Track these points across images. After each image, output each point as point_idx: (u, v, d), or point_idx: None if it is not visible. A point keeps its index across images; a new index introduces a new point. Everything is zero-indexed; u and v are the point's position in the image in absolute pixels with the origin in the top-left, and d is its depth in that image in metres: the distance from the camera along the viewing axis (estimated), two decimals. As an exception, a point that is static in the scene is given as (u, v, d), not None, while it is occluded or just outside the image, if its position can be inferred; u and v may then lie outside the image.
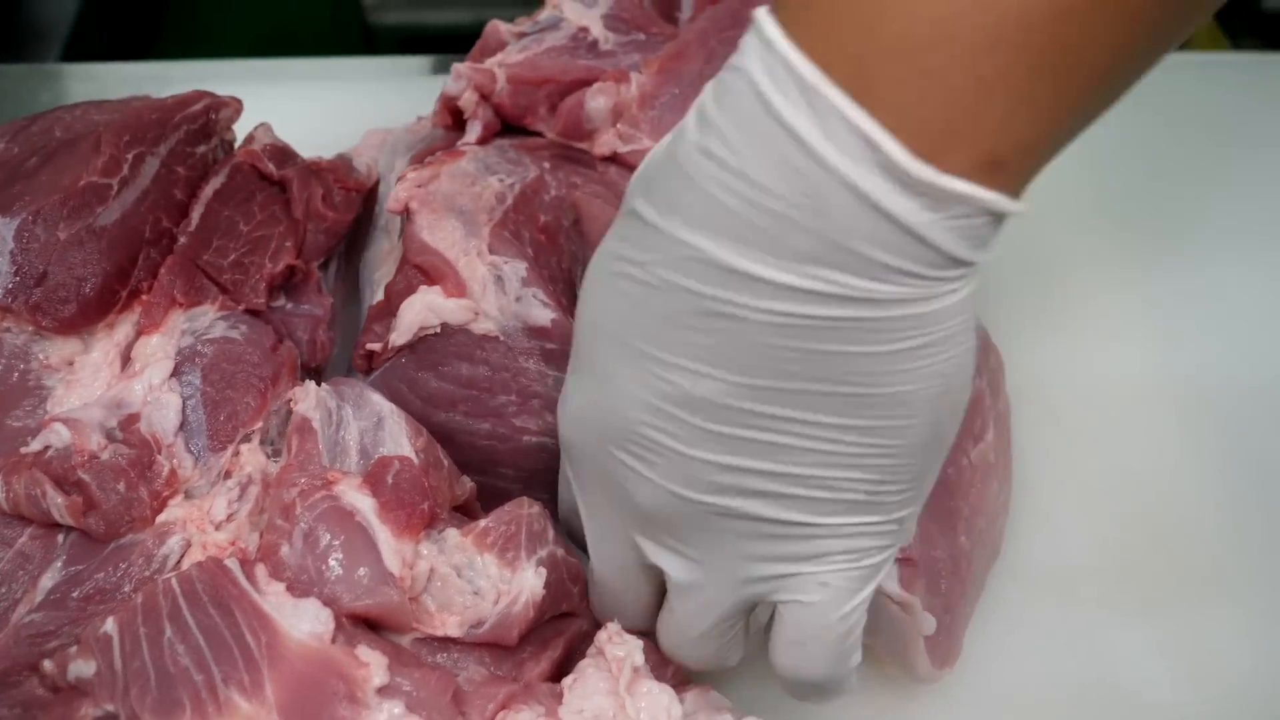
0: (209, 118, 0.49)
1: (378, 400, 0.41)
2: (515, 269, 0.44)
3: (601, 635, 0.37)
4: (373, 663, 0.33)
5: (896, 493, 0.32)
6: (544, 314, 0.43)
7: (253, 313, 0.45)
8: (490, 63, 0.50)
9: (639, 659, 0.36)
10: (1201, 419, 0.51)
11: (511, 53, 0.50)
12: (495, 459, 0.45)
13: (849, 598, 0.33)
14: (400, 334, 0.43)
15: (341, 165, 0.52)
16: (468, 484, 0.41)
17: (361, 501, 0.37)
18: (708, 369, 0.30)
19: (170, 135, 0.47)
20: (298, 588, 0.35)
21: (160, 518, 0.39)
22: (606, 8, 0.52)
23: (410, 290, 0.44)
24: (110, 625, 0.34)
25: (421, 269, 0.44)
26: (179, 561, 0.38)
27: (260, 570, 0.35)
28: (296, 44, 0.76)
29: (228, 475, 0.40)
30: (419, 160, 0.49)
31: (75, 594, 0.37)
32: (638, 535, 0.36)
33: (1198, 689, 0.43)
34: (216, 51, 0.67)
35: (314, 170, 0.50)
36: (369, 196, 0.53)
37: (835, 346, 0.29)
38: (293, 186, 0.49)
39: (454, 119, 0.51)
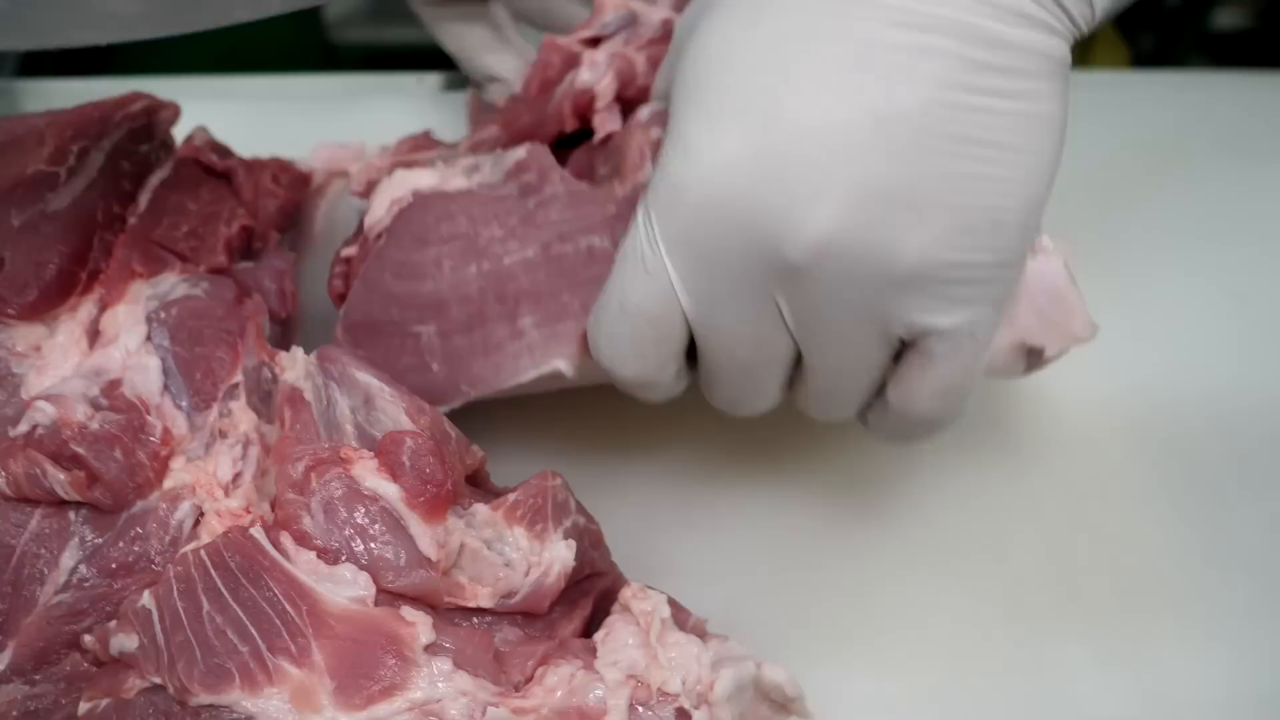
0: (149, 119, 0.50)
1: (364, 377, 0.40)
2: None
3: (626, 592, 0.38)
4: (419, 622, 0.34)
5: (1026, 234, 0.34)
6: (516, 152, 0.44)
7: (216, 272, 0.46)
8: (607, 52, 0.49)
9: (665, 611, 0.37)
10: (1148, 433, 0.52)
11: (614, 47, 0.49)
12: (493, 296, 0.42)
13: (988, 347, 0.35)
14: (376, 216, 0.43)
15: (280, 160, 0.54)
16: (478, 453, 0.41)
17: (384, 488, 0.36)
18: (904, 81, 0.31)
19: (113, 132, 0.48)
20: (329, 556, 0.35)
21: (167, 483, 0.39)
22: (669, 1, 0.52)
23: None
24: (148, 599, 0.34)
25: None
26: (195, 527, 0.38)
27: (286, 538, 0.35)
28: (257, 61, 0.76)
29: (222, 434, 0.41)
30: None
31: (99, 570, 0.37)
32: (894, 326, 0.34)
33: (1144, 704, 0.43)
34: (174, 68, 0.67)
35: (255, 163, 0.53)
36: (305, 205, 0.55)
37: (1009, 61, 0.32)
38: (238, 175, 0.52)
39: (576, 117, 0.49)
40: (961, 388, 0.36)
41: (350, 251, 0.45)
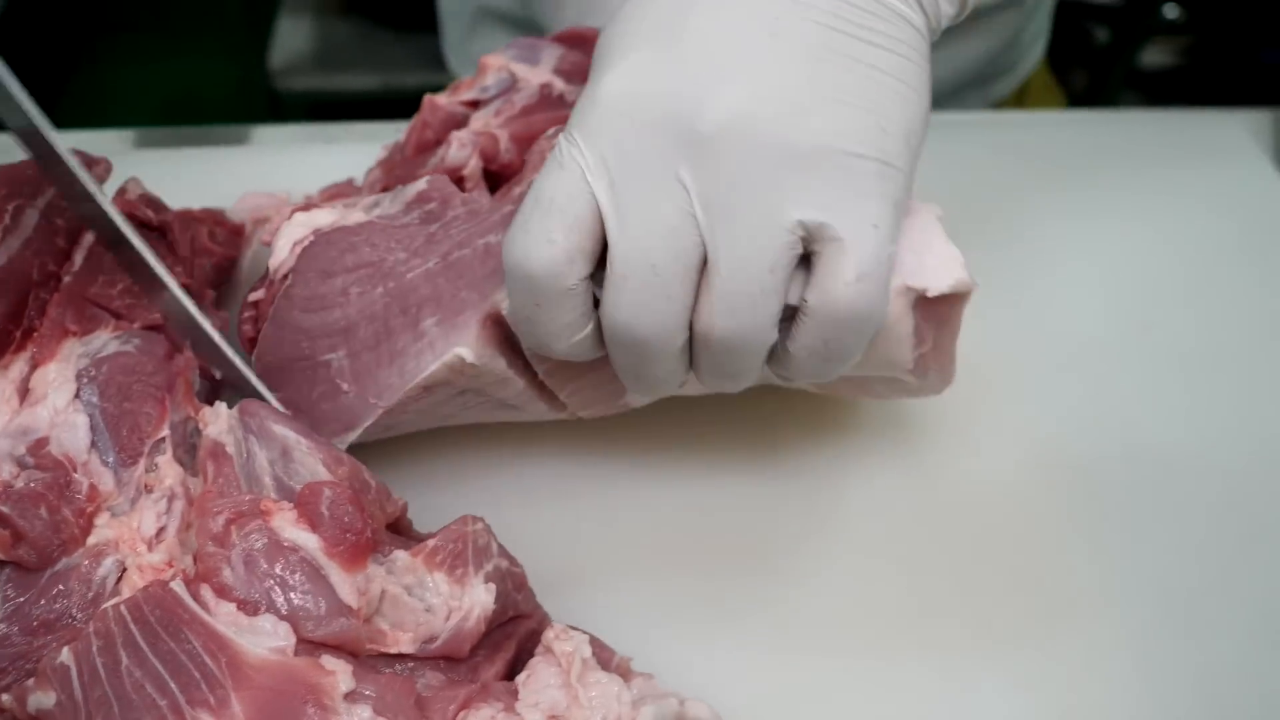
0: None
1: (281, 431, 0.41)
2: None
3: (549, 634, 0.39)
4: (338, 670, 0.34)
5: (909, 151, 0.38)
6: (417, 184, 0.45)
7: (150, 329, 0.47)
8: (478, 127, 0.50)
9: (586, 651, 0.38)
10: (1056, 456, 0.53)
11: (486, 117, 0.51)
12: (397, 309, 0.43)
13: (891, 237, 0.37)
14: (280, 258, 0.43)
15: (214, 212, 0.55)
16: (399, 501, 0.42)
17: (304, 538, 0.37)
18: (794, 11, 0.37)
19: (47, 189, 0.48)
20: (249, 608, 0.35)
21: (91, 539, 0.39)
22: (552, 63, 0.53)
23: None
24: (66, 655, 0.34)
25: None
26: (117, 583, 0.38)
27: (206, 591, 0.36)
28: (202, 110, 0.77)
29: (148, 489, 0.41)
30: None
31: (20, 627, 0.37)
32: (796, 210, 0.36)
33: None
34: (120, 118, 0.68)
35: (190, 216, 0.53)
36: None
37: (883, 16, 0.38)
38: (173, 229, 0.52)
39: None
40: (874, 276, 0.37)
41: (257, 295, 0.45)
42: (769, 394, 0.51)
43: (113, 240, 0.46)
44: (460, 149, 0.49)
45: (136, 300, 0.48)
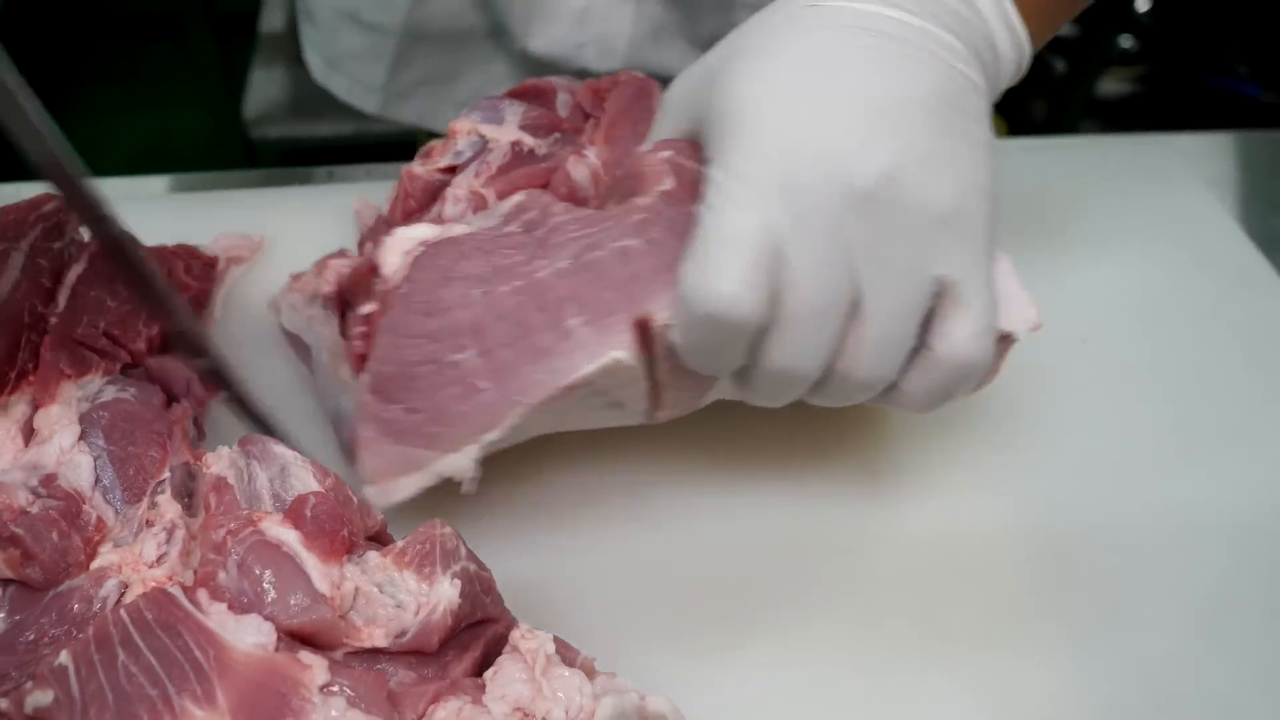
0: (59, 218, 0.54)
1: (280, 450, 0.45)
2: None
3: (515, 634, 0.42)
4: (314, 665, 0.37)
5: (996, 205, 0.43)
6: (512, 199, 0.47)
7: (135, 368, 0.50)
8: (461, 194, 0.52)
9: (550, 648, 0.41)
10: (1013, 467, 0.57)
11: (466, 180, 0.53)
12: (533, 307, 0.43)
13: (996, 301, 0.43)
14: (392, 269, 0.44)
15: (189, 247, 0.59)
16: (379, 517, 0.45)
17: (286, 534, 0.41)
18: (913, 78, 0.42)
19: (29, 232, 0.52)
20: (238, 606, 0.38)
21: (95, 564, 0.42)
22: (516, 120, 0.56)
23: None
24: (65, 657, 0.36)
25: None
26: (118, 601, 0.41)
27: (202, 594, 0.39)
28: (178, 160, 0.80)
29: (149, 524, 0.44)
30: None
31: (22, 640, 0.40)
32: (937, 267, 0.41)
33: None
34: (95, 169, 0.72)
35: (165, 251, 0.57)
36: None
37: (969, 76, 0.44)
38: None
39: None
40: (989, 330, 0.42)
41: (369, 308, 0.45)
42: (765, 420, 0.53)
43: (125, 264, 0.49)
44: (455, 204, 0.51)
45: (116, 341, 0.51)
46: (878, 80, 0.41)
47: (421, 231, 0.46)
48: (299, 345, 0.55)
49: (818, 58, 0.42)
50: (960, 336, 0.41)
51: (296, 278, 0.56)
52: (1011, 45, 0.47)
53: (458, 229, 0.46)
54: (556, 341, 0.43)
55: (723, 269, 0.39)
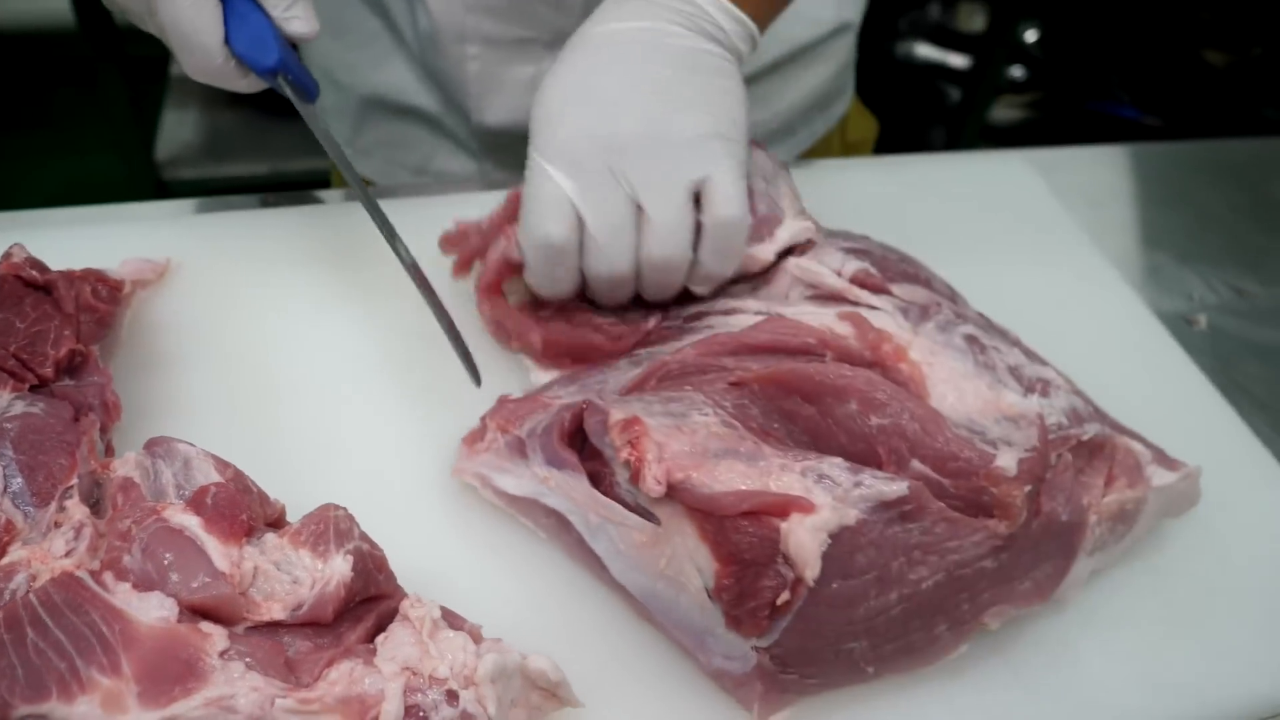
0: None
1: (182, 446, 0.48)
2: (831, 463, 0.51)
3: (405, 604, 0.45)
4: (214, 633, 0.40)
5: (745, 130, 0.61)
6: (895, 487, 0.50)
7: (43, 388, 0.53)
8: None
9: (436, 613, 0.44)
10: None
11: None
12: (915, 615, 0.51)
13: (741, 174, 0.60)
14: (807, 563, 0.48)
15: (95, 271, 0.61)
16: (278, 504, 0.49)
17: (188, 520, 0.44)
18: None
19: None
20: (142, 585, 0.41)
21: (4, 560, 0.44)
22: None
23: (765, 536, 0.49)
24: (-25, 640, 0.40)
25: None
26: (28, 593, 0.43)
27: (108, 576, 0.41)
28: (90, 200, 0.82)
29: (57, 525, 0.46)
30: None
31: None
32: (689, 174, 0.58)
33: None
34: (7, 206, 0.74)
35: (73, 275, 0.59)
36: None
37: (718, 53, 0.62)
38: (58, 287, 0.58)
39: None
40: (740, 196, 0.59)
41: (785, 598, 0.49)
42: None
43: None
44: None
45: (30, 360, 0.54)
46: (638, 68, 0.59)
47: (824, 522, 0.49)
48: (537, 511, 0.56)
49: (596, 64, 0.59)
50: (717, 202, 0.58)
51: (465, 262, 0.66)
52: (736, 25, 0.62)
53: (848, 515, 0.49)
54: (928, 643, 0.53)
55: (539, 216, 0.58)
